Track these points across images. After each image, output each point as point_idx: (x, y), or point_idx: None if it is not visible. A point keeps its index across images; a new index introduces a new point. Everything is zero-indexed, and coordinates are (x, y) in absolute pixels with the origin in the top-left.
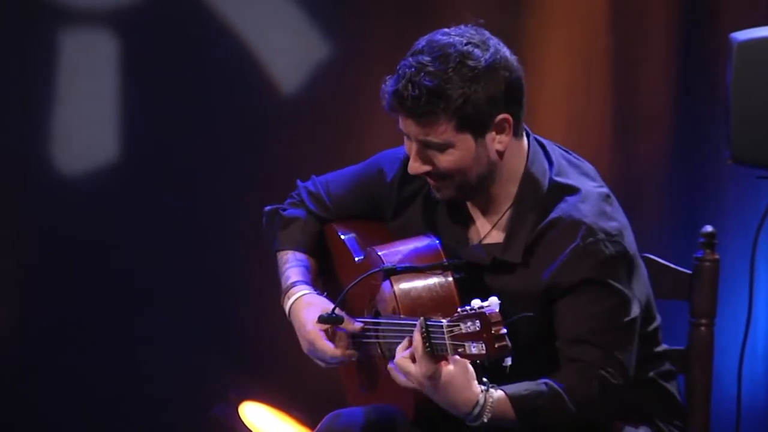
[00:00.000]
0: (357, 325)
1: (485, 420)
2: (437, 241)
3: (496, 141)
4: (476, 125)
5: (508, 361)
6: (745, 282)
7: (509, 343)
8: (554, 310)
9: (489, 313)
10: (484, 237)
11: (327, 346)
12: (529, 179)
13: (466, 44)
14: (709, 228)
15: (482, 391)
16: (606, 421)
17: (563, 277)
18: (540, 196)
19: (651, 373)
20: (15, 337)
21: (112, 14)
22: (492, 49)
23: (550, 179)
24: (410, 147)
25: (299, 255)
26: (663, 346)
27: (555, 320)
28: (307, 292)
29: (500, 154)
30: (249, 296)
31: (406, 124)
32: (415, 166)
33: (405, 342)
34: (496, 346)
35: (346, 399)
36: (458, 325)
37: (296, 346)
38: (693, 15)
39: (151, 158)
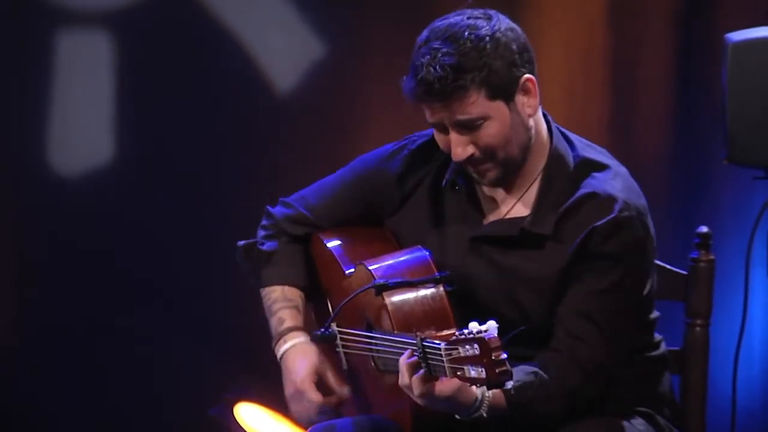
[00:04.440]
0: (345, 391)
1: (484, 414)
2: (427, 254)
3: (525, 105)
4: (504, 90)
5: (509, 385)
6: (740, 282)
7: (510, 368)
8: (569, 277)
9: (488, 338)
10: (507, 212)
11: (317, 396)
12: (555, 154)
13: (468, 19)
14: (704, 228)
15: (477, 386)
16: (589, 402)
17: (592, 244)
18: (568, 172)
19: (644, 358)
20: (14, 337)
21: (109, 16)
22: (495, 18)
23: (576, 156)
24: (446, 140)
25: (289, 293)
26: (657, 337)
27: (567, 287)
28: (302, 340)
29: (532, 118)
30: (246, 297)
31: (436, 112)
32: (458, 152)
33: (403, 364)
34: (496, 371)
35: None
36: (456, 348)
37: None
38: (691, 15)
39: (149, 159)
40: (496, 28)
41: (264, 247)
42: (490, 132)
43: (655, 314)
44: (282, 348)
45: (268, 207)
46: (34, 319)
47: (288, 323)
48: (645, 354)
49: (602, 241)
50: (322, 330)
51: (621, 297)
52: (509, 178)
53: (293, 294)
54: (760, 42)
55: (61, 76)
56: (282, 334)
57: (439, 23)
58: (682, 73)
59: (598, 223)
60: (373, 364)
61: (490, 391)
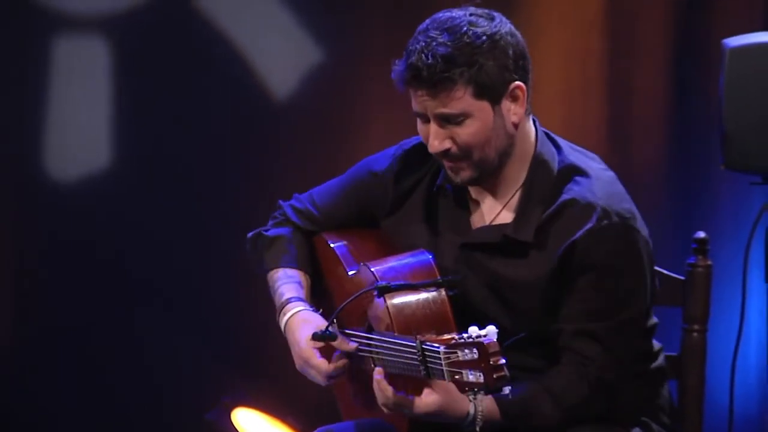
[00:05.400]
0: (352, 345)
1: (477, 429)
2: (431, 257)
3: (511, 111)
4: (492, 92)
5: (506, 390)
6: (737, 288)
7: (507, 373)
8: (563, 291)
9: (487, 343)
10: (493, 219)
11: (321, 363)
12: (539, 161)
13: (470, 15)
14: (701, 234)
15: (471, 401)
16: (597, 416)
17: (577, 258)
18: (551, 178)
19: (643, 370)
20: (14, 337)
21: (107, 20)
22: (497, 19)
23: (560, 161)
24: (426, 130)
25: (290, 272)
26: (657, 345)
27: (562, 304)
28: (301, 308)
29: (515, 126)
30: (247, 302)
31: (421, 101)
32: (435, 144)
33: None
34: (494, 376)
35: (339, 411)
36: (455, 352)
37: (291, 353)
38: (688, 20)
39: (146, 162)
40: (497, 29)
41: (269, 233)
42: (470, 130)
43: (653, 321)
44: (283, 320)
45: (281, 201)
46: (34, 320)
47: (287, 295)
48: (645, 365)
49: (586, 253)
50: (323, 330)
51: (621, 309)
52: (487, 180)
53: (294, 272)
54: (757, 47)
55: (59, 78)
56: (282, 306)
57: (442, 15)
58: (679, 77)
59: (578, 234)
60: (372, 365)
61: (485, 404)
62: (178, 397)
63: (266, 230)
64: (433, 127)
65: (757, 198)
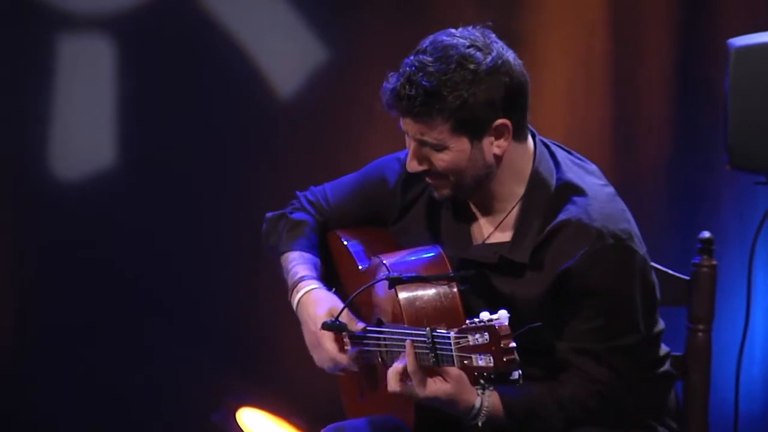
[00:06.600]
0: (359, 326)
1: (479, 424)
2: (442, 251)
3: (494, 145)
4: (473, 129)
5: (516, 375)
6: (742, 287)
7: (517, 357)
8: (561, 313)
9: (498, 326)
10: (489, 236)
11: (332, 347)
12: (537, 179)
13: (468, 47)
14: (706, 234)
15: (479, 395)
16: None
17: (573, 282)
18: (548, 197)
19: (651, 375)
20: (15, 342)
21: (111, 20)
22: (494, 53)
23: (558, 179)
24: (409, 144)
25: (306, 255)
26: (664, 349)
27: (562, 323)
28: (316, 286)
29: (498, 158)
30: (249, 302)
31: (404, 123)
32: (413, 165)
33: (400, 364)
34: (504, 359)
35: (342, 405)
36: (466, 337)
37: (296, 352)
38: (692, 20)
39: (150, 163)
40: (491, 64)
41: (293, 215)
42: (446, 158)
43: (660, 326)
44: (296, 297)
45: (297, 191)
46: (34, 320)
47: (301, 273)
48: (651, 371)
49: (582, 277)
50: (332, 320)
51: (620, 329)
52: (480, 197)
53: (310, 256)
54: (762, 47)
55: (62, 79)
56: (295, 284)
57: (444, 38)
58: (683, 78)
59: (573, 259)
60: (380, 359)
61: (491, 401)
62: (181, 397)
63: (290, 213)
64: (412, 146)
65: (762, 197)
